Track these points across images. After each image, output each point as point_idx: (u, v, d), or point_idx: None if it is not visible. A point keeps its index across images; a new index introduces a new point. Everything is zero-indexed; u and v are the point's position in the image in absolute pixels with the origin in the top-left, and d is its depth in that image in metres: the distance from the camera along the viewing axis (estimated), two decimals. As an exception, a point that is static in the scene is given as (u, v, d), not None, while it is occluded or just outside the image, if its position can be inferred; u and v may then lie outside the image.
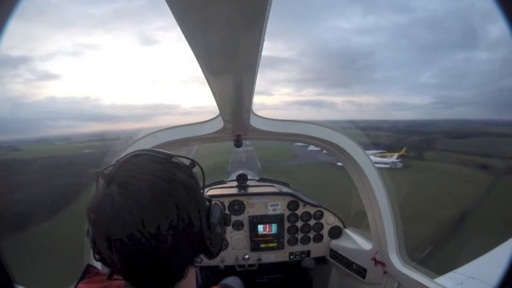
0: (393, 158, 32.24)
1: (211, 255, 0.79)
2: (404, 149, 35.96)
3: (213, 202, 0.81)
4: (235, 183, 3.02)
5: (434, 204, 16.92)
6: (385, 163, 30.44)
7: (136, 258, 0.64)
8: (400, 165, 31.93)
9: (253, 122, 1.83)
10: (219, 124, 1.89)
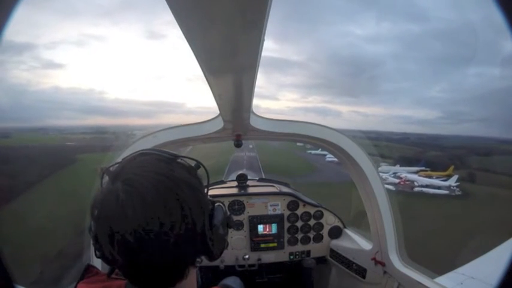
0: (451, 180, 24.61)
1: (212, 257, 0.79)
2: (451, 168, 27.37)
3: (216, 204, 0.80)
4: (235, 183, 3.01)
5: None
6: (439, 187, 23.28)
7: (138, 255, 0.65)
8: (457, 191, 24.02)
9: (253, 122, 1.83)
10: (219, 124, 1.90)
